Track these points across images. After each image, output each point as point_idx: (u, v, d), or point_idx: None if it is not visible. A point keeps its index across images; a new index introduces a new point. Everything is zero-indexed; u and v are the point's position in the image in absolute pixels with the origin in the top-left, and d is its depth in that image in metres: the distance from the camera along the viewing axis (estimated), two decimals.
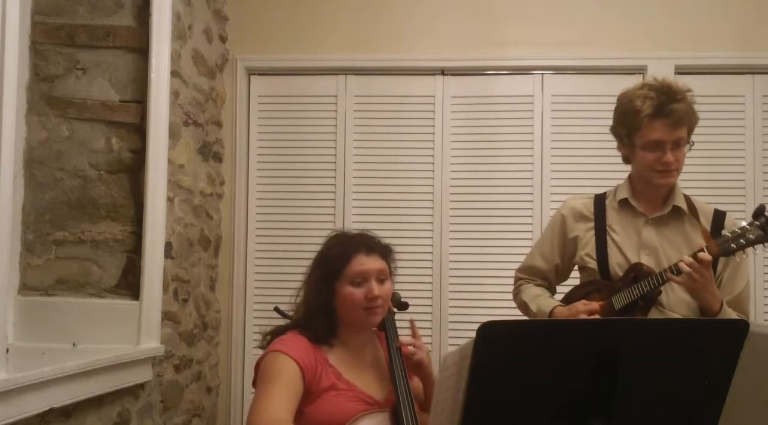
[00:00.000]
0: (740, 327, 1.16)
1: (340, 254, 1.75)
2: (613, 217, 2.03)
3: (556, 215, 2.16)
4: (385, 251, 1.80)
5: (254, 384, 1.75)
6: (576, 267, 2.14)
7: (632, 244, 1.98)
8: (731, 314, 1.86)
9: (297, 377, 1.66)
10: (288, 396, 1.62)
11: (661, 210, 1.99)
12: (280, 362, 1.67)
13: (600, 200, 2.08)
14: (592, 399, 1.15)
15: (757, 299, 3.10)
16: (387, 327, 1.82)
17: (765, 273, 3.11)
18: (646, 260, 1.94)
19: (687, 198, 2.02)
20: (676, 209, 1.98)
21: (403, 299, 1.97)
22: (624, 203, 2.03)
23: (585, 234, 2.05)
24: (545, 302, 2.07)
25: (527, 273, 2.20)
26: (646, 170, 1.94)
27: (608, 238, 2.01)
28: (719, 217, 1.98)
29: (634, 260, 1.95)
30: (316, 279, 1.77)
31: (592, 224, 2.05)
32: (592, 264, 2.01)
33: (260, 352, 1.77)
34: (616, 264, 1.97)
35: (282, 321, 1.93)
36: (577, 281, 2.13)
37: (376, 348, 1.86)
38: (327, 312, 1.75)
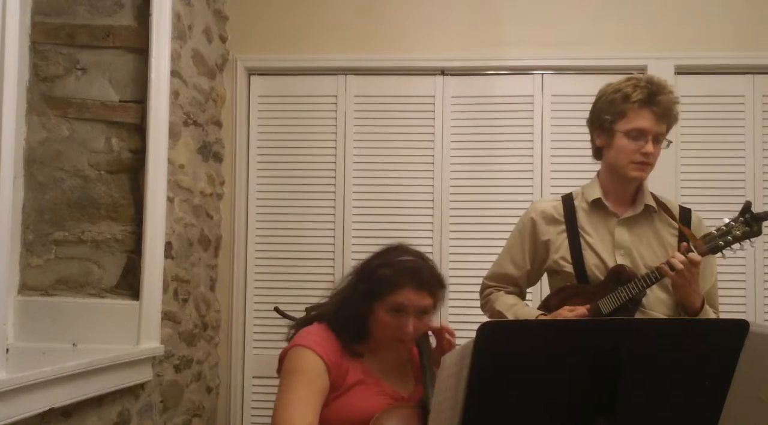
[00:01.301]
0: (740, 327, 1.16)
1: (389, 280, 1.68)
2: (584, 218, 2.00)
3: (524, 220, 2.09)
4: (435, 288, 1.72)
5: (278, 371, 1.73)
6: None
7: (606, 245, 1.95)
8: (710, 312, 1.87)
9: (322, 373, 1.64)
10: (312, 397, 1.61)
11: (632, 210, 1.97)
12: (305, 358, 1.65)
13: (568, 202, 2.05)
14: (593, 400, 1.15)
15: (757, 299, 3.10)
16: None
17: (765, 273, 3.11)
18: (621, 260, 1.92)
19: (654, 196, 2.00)
20: (647, 208, 1.96)
21: None
22: (595, 204, 2.00)
23: (557, 238, 2.01)
24: (524, 311, 2.02)
25: (497, 281, 2.12)
26: (624, 160, 1.92)
27: (581, 240, 1.97)
28: (686, 214, 1.98)
29: (609, 261, 1.93)
30: (358, 291, 1.73)
31: (563, 227, 2.01)
32: (568, 268, 1.96)
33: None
34: (593, 266, 1.94)
35: (282, 321, 1.92)
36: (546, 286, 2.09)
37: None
38: (360, 323, 1.73)
